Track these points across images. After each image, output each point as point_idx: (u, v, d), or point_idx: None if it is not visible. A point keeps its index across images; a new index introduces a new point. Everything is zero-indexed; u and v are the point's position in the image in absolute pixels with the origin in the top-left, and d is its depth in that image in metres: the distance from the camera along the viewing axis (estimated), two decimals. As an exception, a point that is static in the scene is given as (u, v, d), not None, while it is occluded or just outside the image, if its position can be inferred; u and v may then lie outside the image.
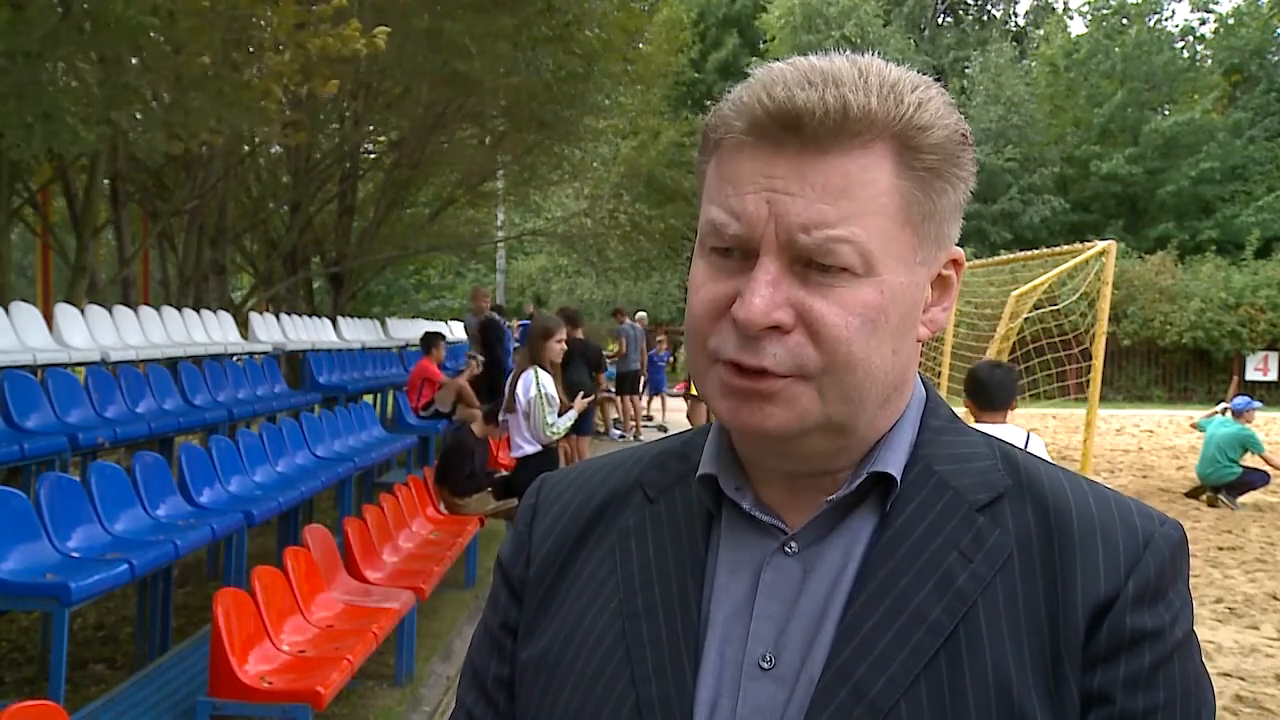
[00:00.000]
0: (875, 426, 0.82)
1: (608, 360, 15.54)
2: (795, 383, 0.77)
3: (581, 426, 10.06)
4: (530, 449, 6.49)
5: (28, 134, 6.35)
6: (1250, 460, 10.81)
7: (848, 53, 0.79)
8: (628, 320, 16.08)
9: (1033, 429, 6.15)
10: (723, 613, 0.83)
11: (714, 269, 0.79)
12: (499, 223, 22.43)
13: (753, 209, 0.76)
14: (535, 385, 6.43)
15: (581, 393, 7.66)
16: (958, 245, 0.85)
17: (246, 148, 11.59)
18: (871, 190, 0.75)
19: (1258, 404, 11.79)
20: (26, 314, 7.14)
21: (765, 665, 0.80)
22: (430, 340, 10.44)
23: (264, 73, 6.65)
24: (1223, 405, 11.85)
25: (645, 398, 16.66)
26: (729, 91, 0.81)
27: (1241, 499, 11.00)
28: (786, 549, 0.82)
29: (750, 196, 0.76)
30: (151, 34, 6.25)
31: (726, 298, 0.78)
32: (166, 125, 6.82)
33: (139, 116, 6.79)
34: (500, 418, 6.74)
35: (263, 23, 6.56)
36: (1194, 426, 11.77)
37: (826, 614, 0.80)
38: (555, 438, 6.53)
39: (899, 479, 0.82)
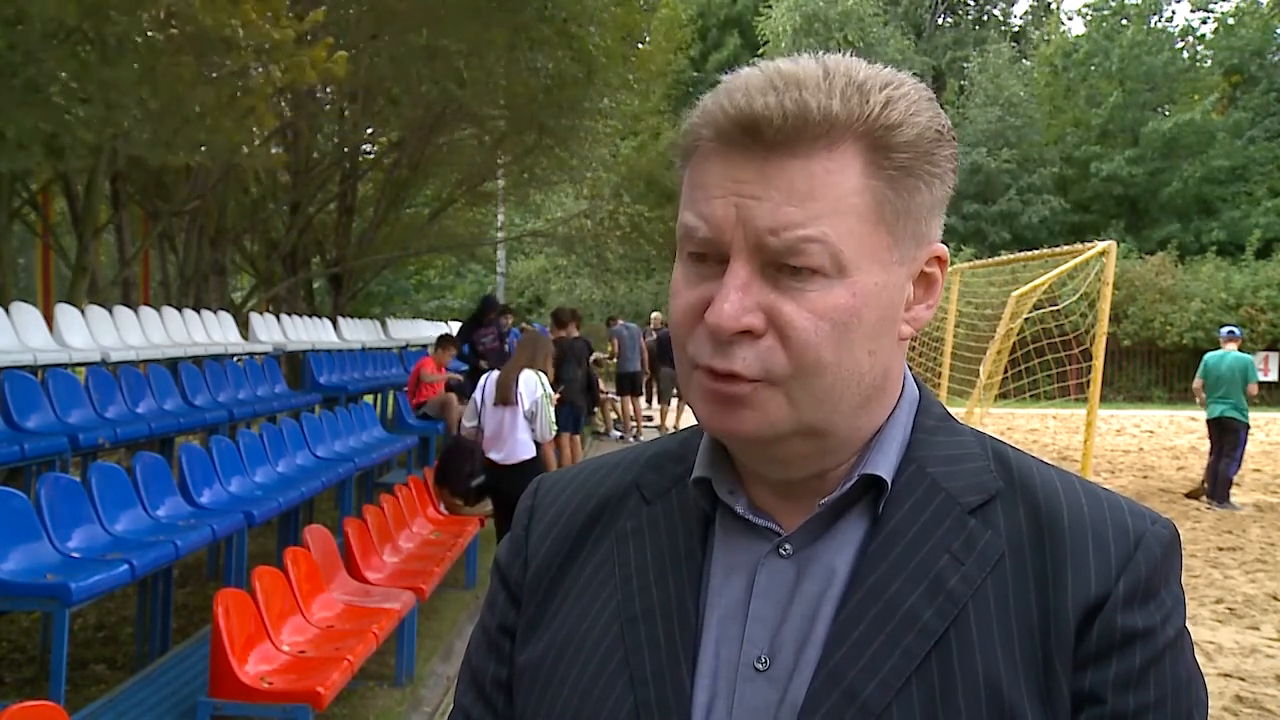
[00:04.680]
0: (857, 428, 0.82)
1: (604, 359, 15.59)
2: (764, 387, 0.77)
3: (568, 424, 10.58)
4: (528, 454, 6.46)
5: (28, 137, 6.35)
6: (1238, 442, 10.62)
7: (822, 54, 0.79)
8: (620, 321, 16.13)
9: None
10: (718, 615, 0.83)
11: (690, 274, 0.80)
12: (499, 223, 22.44)
13: (721, 213, 0.76)
14: (540, 385, 6.48)
15: (561, 386, 7.80)
16: (946, 242, 0.85)
17: (245, 148, 11.61)
18: (839, 191, 0.75)
19: (1241, 330, 11.81)
20: (27, 314, 7.15)
21: (760, 667, 0.80)
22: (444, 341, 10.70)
23: (240, 92, 6.63)
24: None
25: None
26: (700, 99, 0.81)
27: (1241, 499, 11.00)
28: (780, 551, 0.83)
29: (718, 201, 0.77)
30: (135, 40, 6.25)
31: (702, 302, 0.78)
32: (153, 142, 6.81)
33: (137, 116, 6.77)
34: (470, 422, 6.61)
35: (234, 52, 6.50)
36: (1201, 385, 11.22)
37: (819, 616, 0.80)
38: (553, 433, 6.64)
39: (890, 481, 0.82)
